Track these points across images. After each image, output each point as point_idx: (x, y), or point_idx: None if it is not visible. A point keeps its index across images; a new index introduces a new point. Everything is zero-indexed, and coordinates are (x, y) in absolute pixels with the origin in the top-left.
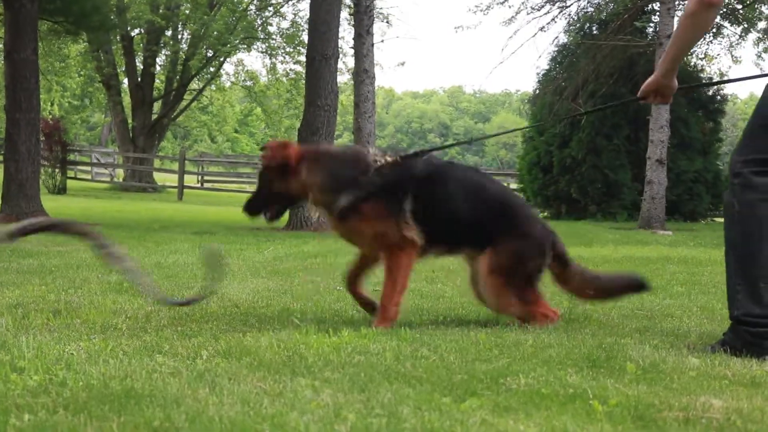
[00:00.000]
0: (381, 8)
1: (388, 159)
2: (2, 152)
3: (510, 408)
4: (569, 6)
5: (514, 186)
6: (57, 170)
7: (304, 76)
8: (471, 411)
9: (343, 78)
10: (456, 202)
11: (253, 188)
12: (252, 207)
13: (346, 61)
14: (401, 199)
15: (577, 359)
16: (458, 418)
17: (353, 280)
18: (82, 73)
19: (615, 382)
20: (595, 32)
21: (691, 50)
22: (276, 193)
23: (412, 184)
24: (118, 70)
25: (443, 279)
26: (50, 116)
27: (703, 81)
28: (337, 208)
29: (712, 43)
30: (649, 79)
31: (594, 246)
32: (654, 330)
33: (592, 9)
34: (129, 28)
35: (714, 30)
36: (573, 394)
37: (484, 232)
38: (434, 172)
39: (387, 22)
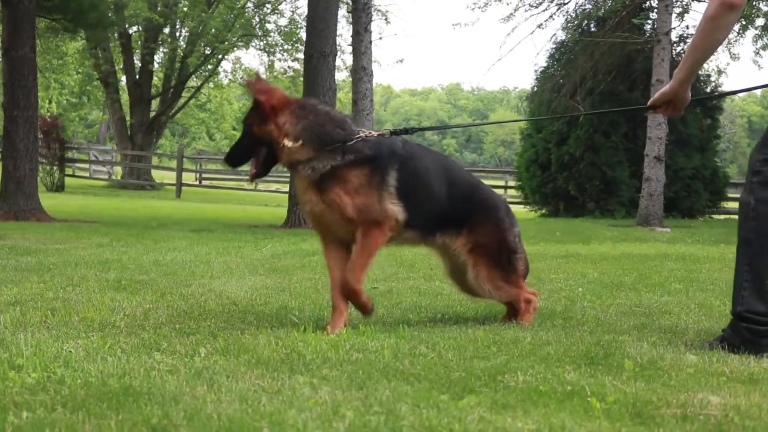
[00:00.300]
0: (379, 5)
1: (373, 133)
2: (0, 150)
3: (508, 405)
4: (567, 3)
5: (512, 183)
6: (55, 168)
7: (302, 73)
8: (469, 408)
9: (341, 75)
10: (434, 182)
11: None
12: (233, 156)
13: (344, 58)
14: (386, 173)
15: (575, 356)
16: (456, 416)
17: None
18: (80, 70)
19: (613, 379)
20: (593, 29)
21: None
22: (256, 140)
23: (395, 159)
24: (116, 68)
25: (441, 276)
26: (48, 114)
27: (701, 78)
28: (318, 170)
29: None
30: (665, 89)
31: (592, 243)
32: (652, 327)
33: (590, 6)
34: (127, 26)
35: None
36: (571, 392)
37: (460, 214)
38: (414, 151)
39: (386, 19)
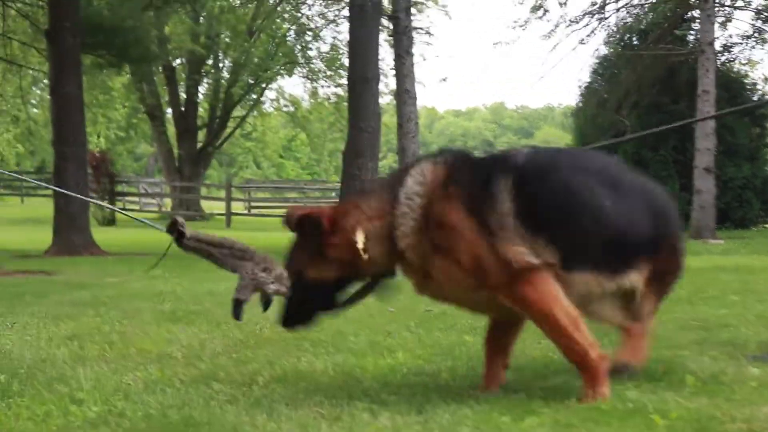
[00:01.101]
0: (420, 28)
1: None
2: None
3: (571, 425)
4: (608, 17)
5: None
6: (106, 202)
7: (345, 99)
8: (531, 429)
9: (385, 99)
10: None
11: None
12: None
13: (387, 82)
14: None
15: (636, 374)
16: None
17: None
18: (126, 104)
19: (675, 395)
20: (635, 42)
21: (733, 56)
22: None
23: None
24: (162, 100)
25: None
26: (97, 148)
27: (747, 86)
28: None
29: (754, 48)
30: None
31: None
32: (711, 341)
33: (632, 19)
34: (170, 58)
35: (756, 34)
36: (633, 409)
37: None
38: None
39: (427, 43)
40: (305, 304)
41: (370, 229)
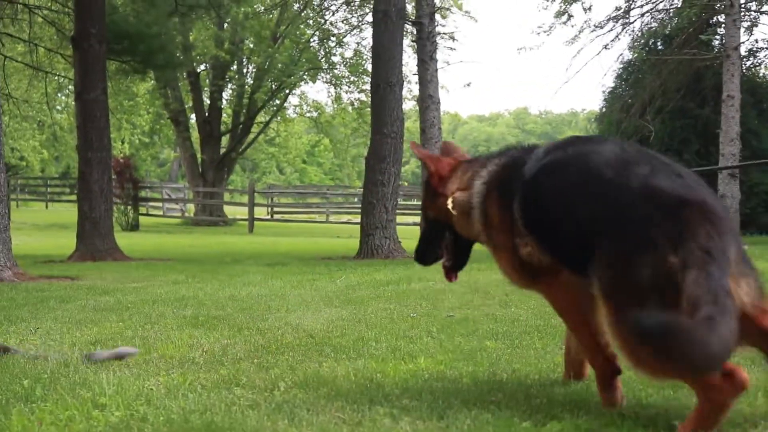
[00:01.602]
0: (444, 34)
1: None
2: (76, 191)
3: (591, 431)
4: (632, 22)
5: None
6: (129, 207)
7: (368, 104)
8: None
9: (409, 104)
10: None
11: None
12: (421, 254)
13: (411, 87)
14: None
15: None
16: None
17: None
18: (150, 110)
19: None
20: (660, 47)
21: (759, 61)
22: (436, 224)
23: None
24: (186, 106)
25: (517, 302)
26: (121, 154)
27: None
28: None
29: None
30: None
31: None
32: None
33: (656, 24)
34: (195, 64)
35: None
36: (655, 415)
37: None
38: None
39: (451, 48)
40: (432, 241)
41: (458, 197)
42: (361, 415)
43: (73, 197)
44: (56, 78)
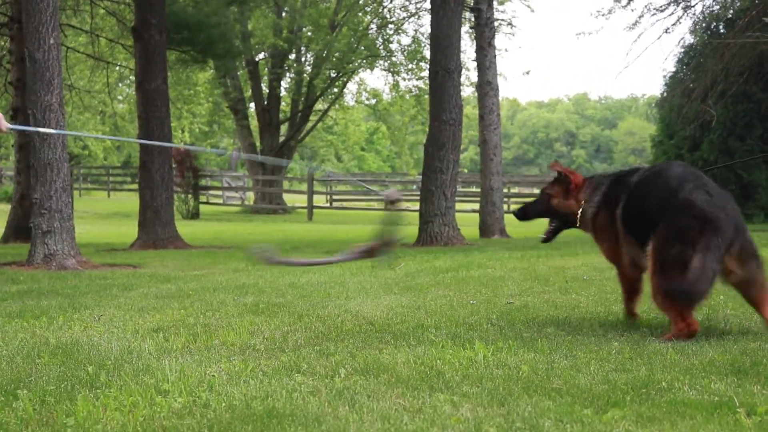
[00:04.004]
0: (502, 20)
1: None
2: (137, 180)
3: (654, 418)
4: (694, 6)
5: None
6: (190, 196)
7: (427, 91)
8: (614, 422)
9: (467, 91)
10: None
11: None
12: (525, 213)
13: (469, 74)
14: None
15: (721, 366)
16: (601, 430)
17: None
18: (209, 99)
19: (762, 388)
20: (722, 31)
21: None
22: (554, 211)
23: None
24: (245, 95)
25: (577, 289)
26: (181, 143)
27: None
28: None
29: None
30: None
31: None
32: None
33: (718, 7)
34: (253, 53)
35: None
36: (718, 402)
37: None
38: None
39: (510, 32)
40: (539, 215)
41: (582, 205)
42: (422, 401)
43: (135, 186)
44: (117, 68)
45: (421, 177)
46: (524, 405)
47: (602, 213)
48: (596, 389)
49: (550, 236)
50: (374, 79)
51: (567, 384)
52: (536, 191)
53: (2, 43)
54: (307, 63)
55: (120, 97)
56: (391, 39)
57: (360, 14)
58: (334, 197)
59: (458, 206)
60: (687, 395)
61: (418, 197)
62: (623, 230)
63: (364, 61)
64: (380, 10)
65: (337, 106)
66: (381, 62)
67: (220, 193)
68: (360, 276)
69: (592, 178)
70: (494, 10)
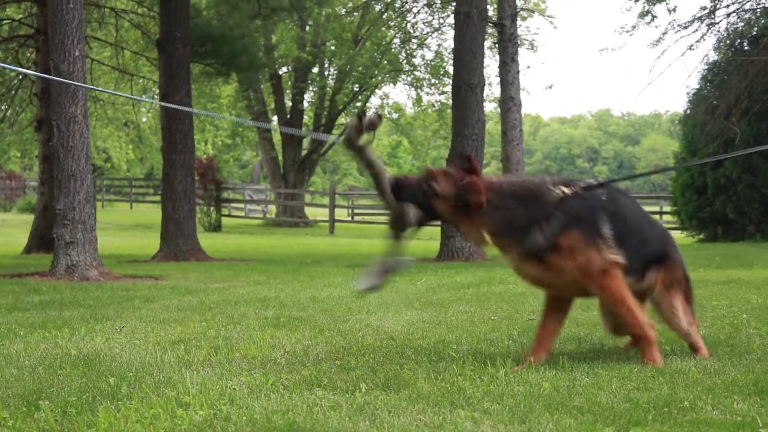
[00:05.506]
0: (525, 36)
1: (567, 191)
2: (160, 192)
3: None
4: (718, 23)
5: (667, 209)
6: (212, 208)
7: (449, 106)
8: None
9: (489, 106)
10: (640, 225)
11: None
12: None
13: (492, 89)
14: (600, 225)
15: (744, 386)
16: None
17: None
18: (233, 112)
19: None
20: (746, 48)
21: None
22: (432, 210)
23: (604, 209)
24: (268, 108)
25: (598, 307)
26: (204, 156)
27: None
28: (530, 246)
29: None
30: None
31: (755, 268)
32: None
33: (743, 24)
34: (277, 67)
35: None
36: (741, 422)
37: (658, 252)
38: (614, 197)
39: (532, 48)
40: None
41: None
42: (443, 418)
43: (157, 198)
44: (141, 80)
45: None
46: (545, 422)
47: None
48: (618, 407)
49: None
50: (397, 93)
51: (588, 402)
52: None
53: (28, 55)
54: (330, 77)
55: (144, 109)
56: (415, 54)
57: (383, 29)
58: (356, 211)
59: None
60: (709, 415)
61: None
62: None
63: (387, 75)
64: (404, 25)
65: None
66: (404, 77)
67: (242, 205)
68: (381, 291)
69: None
70: (517, 26)
